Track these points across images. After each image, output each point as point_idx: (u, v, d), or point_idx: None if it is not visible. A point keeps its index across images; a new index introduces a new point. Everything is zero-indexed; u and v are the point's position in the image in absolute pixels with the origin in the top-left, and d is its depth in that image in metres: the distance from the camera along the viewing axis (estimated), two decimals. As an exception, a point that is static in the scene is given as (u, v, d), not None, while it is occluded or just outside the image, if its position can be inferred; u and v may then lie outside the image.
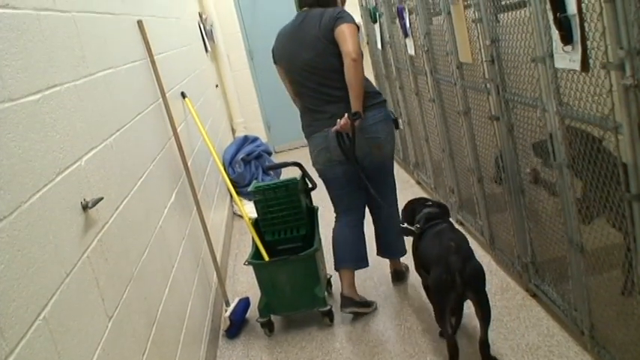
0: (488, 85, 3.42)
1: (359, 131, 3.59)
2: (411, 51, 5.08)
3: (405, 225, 3.55)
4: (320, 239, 3.97)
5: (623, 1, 1.96)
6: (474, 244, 4.33)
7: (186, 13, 6.43)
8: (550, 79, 2.65)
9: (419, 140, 5.75)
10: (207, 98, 6.39)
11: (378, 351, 3.46)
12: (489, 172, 3.55)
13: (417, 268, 3.57)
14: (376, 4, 6.05)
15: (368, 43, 7.27)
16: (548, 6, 2.46)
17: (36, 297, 1.73)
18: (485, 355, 3.06)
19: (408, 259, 3.97)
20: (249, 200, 5.03)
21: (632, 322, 2.54)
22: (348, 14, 3.65)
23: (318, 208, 4.23)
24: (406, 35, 5.09)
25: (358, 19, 7.84)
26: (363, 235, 3.98)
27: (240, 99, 8.63)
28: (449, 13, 3.87)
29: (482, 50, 3.37)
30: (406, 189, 5.97)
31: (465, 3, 3.54)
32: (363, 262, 3.98)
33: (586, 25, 2.24)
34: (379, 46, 6.38)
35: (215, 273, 4.28)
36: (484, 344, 3.05)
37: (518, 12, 2.88)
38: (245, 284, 4.67)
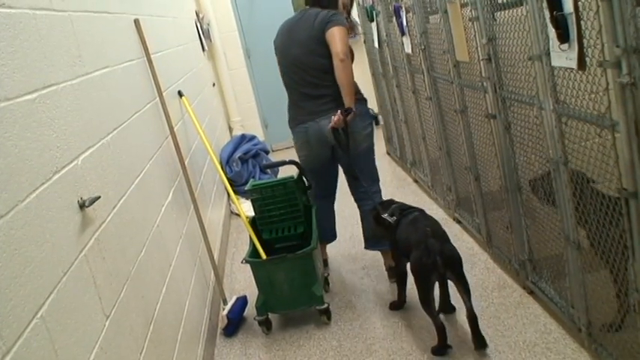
0: (485, 84, 3.42)
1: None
2: (408, 49, 5.08)
3: (385, 216, 3.70)
4: (317, 237, 3.97)
5: (619, -1, 1.97)
6: (471, 242, 4.36)
7: (183, 12, 6.43)
8: (547, 78, 2.65)
9: (416, 138, 5.75)
10: (204, 97, 6.39)
11: (376, 349, 3.47)
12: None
13: (394, 257, 3.79)
14: (373, 2, 6.05)
15: (365, 41, 7.27)
16: (544, 4, 2.46)
17: (33, 296, 1.73)
18: (474, 329, 3.21)
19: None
20: (247, 199, 5.04)
21: (629, 320, 2.55)
22: (341, 17, 3.90)
23: (315, 206, 4.23)
24: (403, 34, 5.09)
25: (355, 17, 7.85)
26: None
27: (238, 97, 8.63)
28: (445, 11, 3.87)
29: (479, 49, 3.37)
30: (403, 187, 5.98)
31: (462, 2, 3.54)
32: (335, 237, 4.62)
33: (582, 23, 2.24)
34: (376, 44, 6.38)
35: (212, 271, 4.29)
36: (472, 316, 3.20)
37: (514, 10, 2.89)
38: (242, 282, 4.67)
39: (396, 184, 6.14)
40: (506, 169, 3.44)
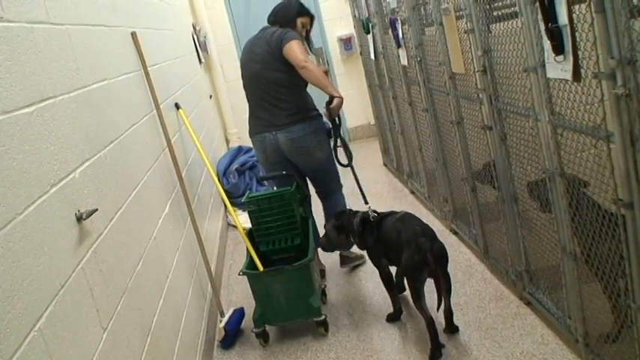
0: (480, 95, 3.43)
1: (290, 142, 4.24)
2: (404, 61, 5.10)
3: (368, 206, 3.97)
4: (315, 249, 3.97)
5: (613, 11, 1.98)
6: (468, 253, 4.37)
7: (180, 25, 6.45)
8: (542, 89, 2.66)
9: (412, 150, 5.76)
10: (201, 109, 6.40)
11: (373, 361, 3.47)
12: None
13: (374, 260, 3.89)
14: (369, 14, 6.08)
15: (361, 53, 7.29)
16: (539, 16, 2.47)
17: (31, 308, 1.73)
18: (449, 322, 3.50)
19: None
20: (244, 210, 5.04)
21: (627, 331, 2.55)
22: (294, 33, 4.20)
23: (312, 218, 4.24)
24: (399, 46, 5.11)
25: (351, 30, 7.88)
26: None
27: (234, 109, 8.64)
28: (441, 23, 3.89)
29: (475, 60, 3.38)
30: (400, 198, 5.98)
31: (457, 14, 3.56)
32: None
33: (577, 35, 2.26)
34: (372, 56, 6.40)
35: (210, 283, 4.28)
36: (449, 311, 3.49)
37: (510, 22, 2.90)
38: (240, 294, 4.67)
39: (392, 196, 6.14)
40: (502, 179, 3.45)
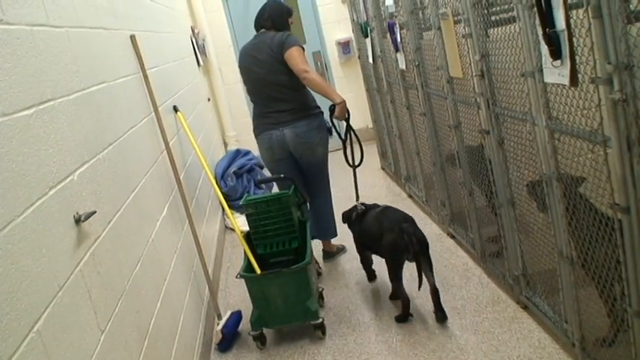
0: (478, 100, 3.44)
1: (296, 136, 4.52)
2: (402, 65, 5.12)
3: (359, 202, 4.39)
4: (312, 252, 3.98)
5: (610, 16, 1.99)
6: (465, 257, 4.38)
7: (179, 28, 6.46)
8: (539, 94, 2.67)
9: (410, 154, 5.77)
10: (199, 112, 6.41)
11: (370, 364, 3.48)
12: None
13: (357, 247, 4.38)
14: (367, 18, 6.09)
15: (360, 57, 7.31)
16: (537, 21, 2.48)
17: (29, 310, 1.73)
18: (437, 302, 3.69)
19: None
20: (241, 213, 5.04)
21: (623, 335, 2.56)
22: (293, 38, 4.47)
23: (309, 221, 4.24)
24: (397, 50, 5.13)
25: (349, 33, 7.90)
26: None
27: (232, 112, 8.66)
28: (439, 28, 3.90)
29: (472, 65, 3.40)
30: (398, 202, 5.98)
31: (455, 18, 3.57)
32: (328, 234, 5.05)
33: (575, 40, 2.27)
34: (370, 60, 6.41)
35: (207, 286, 4.28)
36: (435, 291, 3.68)
37: (507, 27, 2.91)
38: (237, 297, 4.67)
39: (390, 199, 6.14)
40: (500, 183, 3.46)
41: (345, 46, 8.70)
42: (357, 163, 4.71)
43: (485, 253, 4.09)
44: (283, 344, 3.89)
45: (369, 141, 8.66)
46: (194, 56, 7.15)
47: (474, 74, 3.41)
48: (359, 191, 4.64)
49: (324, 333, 3.84)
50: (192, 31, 7.58)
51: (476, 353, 3.30)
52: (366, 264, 4.38)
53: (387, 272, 3.84)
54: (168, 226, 3.61)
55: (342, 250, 5.15)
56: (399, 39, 4.98)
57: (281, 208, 4.07)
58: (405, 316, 3.78)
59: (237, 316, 4.16)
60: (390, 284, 3.94)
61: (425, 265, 3.68)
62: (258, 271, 3.88)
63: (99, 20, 3.12)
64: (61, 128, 2.25)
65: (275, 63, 4.44)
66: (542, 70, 2.59)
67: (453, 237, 4.80)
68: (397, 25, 4.92)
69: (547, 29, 2.38)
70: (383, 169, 7.43)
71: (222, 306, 4.46)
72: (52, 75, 2.29)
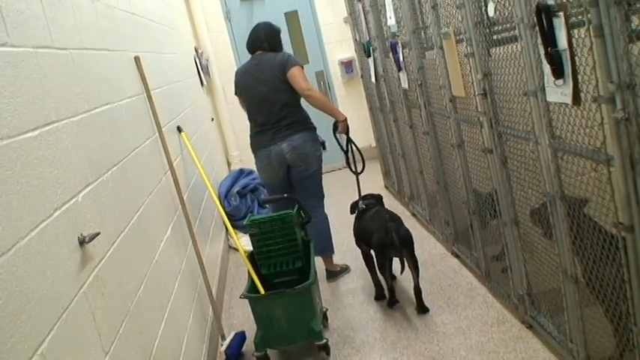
0: (481, 119, 3.45)
1: (293, 148, 4.73)
2: (405, 84, 5.13)
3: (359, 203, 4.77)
4: (316, 272, 3.97)
5: (612, 36, 2.00)
6: (469, 277, 4.36)
7: (183, 48, 6.49)
8: (542, 113, 2.68)
9: (414, 172, 5.77)
10: (202, 132, 6.42)
11: (375, 384, 3.46)
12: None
13: (357, 242, 4.64)
14: (370, 38, 6.11)
15: (362, 76, 7.33)
16: (539, 41, 2.49)
17: (33, 333, 1.73)
18: (419, 298, 4.09)
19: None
20: (245, 233, 5.04)
21: (629, 354, 2.54)
22: (294, 58, 4.78)
23: (313, 241, 4.24)
24: (400, 69, 5.14)
25: (352, 53, 7.93)
26: None
27: (236, 132, 8.66)
28: (441, 47, 3.92)
29: (475, 84, 3.40)
30: (401, 221, 5.98)
31: (457, 38, 3.59)
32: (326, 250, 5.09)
33: (577, 59, 2.28)
34: (373, 79, 6.43)
35: (211, 307, 4.28)
36: (417, 289, 4.08)
37: (509, 46, 2.92)
38: (241, 318, 4.66)
39: (394, 218, 6.13)
40: (504, 202, 3.46)
41: (347, 66, 8.72)
42: (359, 170, 5.05)
43: (491, 272, 4.08)
44: (287, 365, 3.88)
45: (372, 160, 8.68)
46: (197, 76, 7.18)
47: (476, 93, 3.42)
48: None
49: (328, 354, 3.82)
50: (196, 51, 7.61)
51: (481, 373, 3.28)
52: (368, 260, 4.50)
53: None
54: (172, 247, 3.61)
55: (345, 269, 5.13)
56: (401, 58, 5.00)
57: (284, 228, 4.07)
58: (391, 301, 4.28)
59: (241, 337, 4.15)
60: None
61: (409, 262, 4.06)
62: (262, 292, 3.87)
63: (103, 42, 3.14)
64: (65, 150, 2.26)
65: (278, 82, 4.67)
66: (544, 89, 2.59)
67: (457, 256, 4.79)
68: (399, 45, 4.94)
69: (549, 48, 2.39)
70: (386, 187, 7.42)
71: (226, 326, 4.44)
72: (57, 97, 2.30)
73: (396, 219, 4.23)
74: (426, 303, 4.10)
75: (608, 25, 2.00)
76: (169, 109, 4.59)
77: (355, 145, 5.01)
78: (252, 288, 3.92)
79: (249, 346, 4.09)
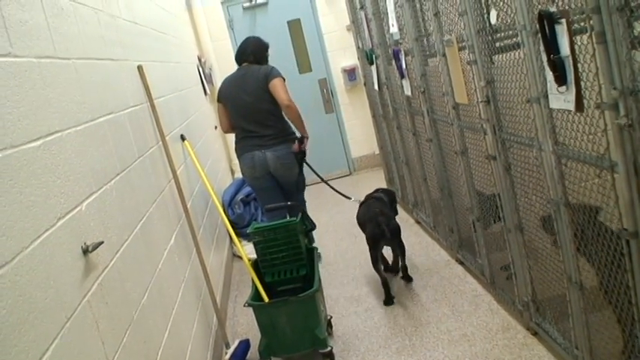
0: (484, 125, 3.45)
1: (277, 158, 5.13)
2: (408, 92, 5.13)
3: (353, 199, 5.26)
4: (320, 280, 3.97)
5: (614, 42, 2.00)
6: (474, 284, 4.36)
7: (186, 57, 6.50)
8: (545, 119, 2.68)
9: (417, 179, 5.77)
10: (206, 140, 6.43)
11: (380, 392, 3.45)
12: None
13: (360, 225, 5.01)
14: (372, 46, 6.12)
15: (365, 84, 7.33)
16: (541, 47, 2.49)
17: (37, 342, 1.73)
18: (405, 274, 4.76)
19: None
20: (249, 241, 5.03)
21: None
22: (277, 70, 5.11)
23: (317, 249, 4.24)
24: (402, 76, 5.15)
25: (355, 60, 7.95)
26: None
27: (239, 140, 8.66)
28: (444, 54, 3.92)
29: (478, 91, 3.40)
30: (405, 228, 5.96)
31: (460, 45, 3.59)
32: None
33: (579, 66, 2.27)
34: (376, 87, 6.43)
35: (215, 315, 4.27)
36: (404, 268, 4.74)
37: (512, 54, 2.92)
38: (245, 326, 4.65)
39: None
40: (508, 209, 3.45)
41: (350, 73, 8.73)
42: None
43: (495, 279, 4.07)
44: (292, 373, 3.87)
45: (375, 167, 8.69)
46: (201, 85, 7.19)
47: (479, 100, 3.42)
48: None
49: (332, 361, 3.83)
50: (199, 60, 7.63)
51: (486, 381, 3.28)
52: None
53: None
54: (176, 255, 3.61)
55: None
56: (404, 66, 5.00)
57: (288, 236, 4.07)
58: (388, 299, 4.50)
59: (245, 345, 4.14)
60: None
61: (397, 249, 4.70)
62: (266, 300, 3.87)
63: (106, 51, 3.15)
64: (68, 159, 2.26)
65: (262, 92, 5.04)
66: (547, 95, 2.59)
67: (461, 263, 4.78)
68: (402, 52, 4.95)
69: (552, 55, 2.39)
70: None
71: (230, 335, 4.44)
72: (60, 106, 2.31)
73: (385, 212, 4.66)
74: (430, 312, 4.10)
75: (610, 31, 2.00)
76: (173, 117, 4.60)
77: (307, 164, 5.37)
78: (256, 296, 3.92)
79: (253, 354, 4.08)
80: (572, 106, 2.37)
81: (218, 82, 8.19)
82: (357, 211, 5.12)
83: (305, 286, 3.98)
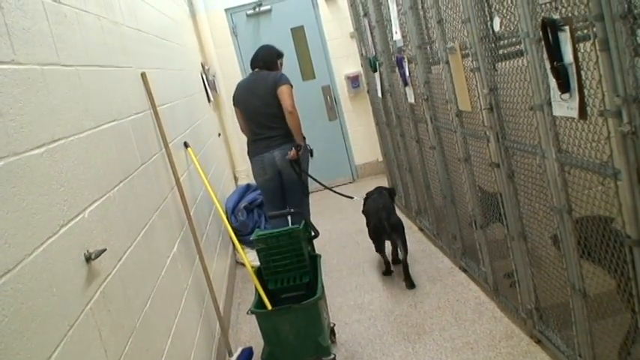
0: (487, 133, 3.45)
1: (283, 157, 5.41)
2: (411, 99, 5.13)
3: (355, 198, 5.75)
4: (323, 287, 3.96)
5: (617, 49, 2.00)
6: (477, 291, 4.35)
7: (189, 64, 6.51)
8: (549, 127, 2.67)
9: (420, 187, 5.76)
10: (209, 147, 6.44)
11: (383, 400, 3.44)
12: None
13: (366, 218, 5.33)
14: (376, 53, 6.13)
15: (369, 91, 7.34)
16: (545, 55, 2.49)
17: (39, 350, 1.73)
18: (406, 273, 4.86)
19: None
20: (252, 249, 5.03)
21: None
22: (286, 77, 5.41)
23: (320, 256, 4.24)
24: (406, 84, 5.15)
25: (358, 68, 7.95)
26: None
27: (243, 147, 8.64)
28: (447, 62, 3.92)
29: (481, 98, 3.40)
30: (409, 235, 5.93)
31: (463, 52, 3.59)
32: None
33: (583, 73, 2.28)
34: (379, 94, 6.44)
35: (218, 322, 4.27)
36: (405, 265, 4.86)
37: (515, 61, 2.92)
38: (248, 333, 4.64)
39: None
40: (511, 217, 3.45)
41: (354, 81, 8.74)
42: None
43: (499, 286, 4.06)
44: (295, 381, 3.85)
45: (379, 174, 8.69)
46: (204, 92, 7.20)
47: (482, 108, 3.42)
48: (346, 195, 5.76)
49: (335, 369, 3.81)
50: (203, 67, 7.64)
51: (490, 389, 3.26)
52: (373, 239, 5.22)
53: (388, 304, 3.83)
54: (179, 263, 3.61)
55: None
56: (407, 73, 5.00)
57: (291, 243, 4.06)
58: (387, 271, 5.16)
59: (248, 353, 4.14)
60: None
61: (398, 243, 4.91)
62: (269, 307, 3.86)
63: (110, 58, 3.15)
64: (71, 167, 2.26)
65: (270, 97, 5.33)
66: (550, 103, 2.59)
67: (465, 270, 4.77)
68: (405, 60, 4.95)
69: (555, 62, 2.39)
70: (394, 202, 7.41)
71: (233, 342, 4.43)
72: (63, 114, 2.31)
73: (387, 208, 5.01)
74: (434, 319, 4.08)
75: (613, 38, 2.01)
76: (176, 124, 4.60)
77: (303, 171, 5.57)
78: (259, 303, 3.91)
79: (256, 362, 4.08)
80: (575, 114, 2.37)
81: (222, 89, 8.24)
82: (363, 206, 5.43)
83: (308, 294, 3.97)
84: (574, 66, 2.29)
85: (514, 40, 2.98)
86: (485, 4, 3.22)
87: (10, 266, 1.67)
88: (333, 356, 3.78)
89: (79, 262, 2.14)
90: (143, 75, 3.75)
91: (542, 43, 2.47)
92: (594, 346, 2.80)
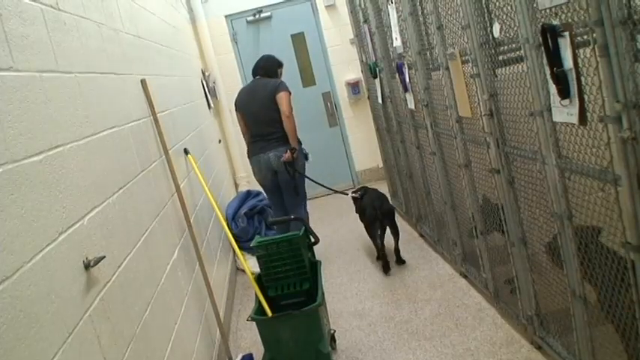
0: (487, 139, 3.44)
1: (278, 158, 5.71)
2: (411, 105, 5.13)
3: (352, 194, 6.01)
4: (323, 294, 3.95)
5: (617, 55, 2.00)
6: (478, 297, 4.34)
7: (190, 71, 6.52)
8: (549, 133, 2.67)
9: (421, 193, 5.76)
10: (210, 154, 6.43)
11: (384, 407, 3.43)
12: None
13: (360, 218, 5.85)
14: (376, 59, 6.13)
15: (369, 97, 7.34)
16: (544, 61, 2.49)
17: (38, 357, 1.72)
18: (398, 256, 5.48)
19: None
20: (252, 255, 5.03)
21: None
22: (285, 85, 5.77)
23: (321, 263, 4.23)
24: (406, 90, 5.15)
25: (358, 74, 7.96)
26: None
27: (243, 154, 8.65)
28: (447, 68, 3.92)
29: (481, 104, 3.40)
30: (409, 242, 5.96)
31: (463, 58, 3.59)
32: None
33: (582, 79, 2.27)
34: (380, 100, 6.44)
35: (218, 329, 4.26)
36: (397, 250, 5.48)
37: (515, 67, 2.92)
38: (248, 340, 4.63)
39: (401, 239, 6.11)
40: (511, 222, 3.44)
41: (354, 87, 8.74)
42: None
43: (499, 292, 4.05)
44: (295, 388, 3.84)
45: (379, 180, 8.68)
46: (205, 99, 7.20)
47: (482, 113, 3.42)
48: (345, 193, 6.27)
49: (336, 376, 3.80)
50: (203, 73, 7.65)
51: (491, 396, 3.25)
52: (368, 230, 5.65)
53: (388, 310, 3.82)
54: (179, 269, 3.60)
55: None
56: (407, 79, 5.00)
57: (291, 250, 4.06)
58: (385, 265, 5.37)
59: (248, 360, 4.13)
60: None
61: (392, 230, 5.47)
62: (270, 314, 3.85)
63: (109, 65, 3.15)
64: (70, 174, 2.26)
65: (268, 102, 5.69)
66: (550, 109, 2.59)
67: (465, 277, 4.77)
68: (406, 66, 4.95)
69: (555, 68, 2.39)
70: (394, 208, 7.40)
71: (234, 349, 4.42)
72: (62, 120, 2.31)
73: (381, 198, 5.60)
74: (434, 326, 4.09)
75: (613, 44, 2.00)
76: (176, 131, 4.60)
77: (298, 172, 5.85)
78: (259, 310, 3.90)
79: (256, 368, 4.07)
80: (575, 120, 2.36)
81: (222, 96, 8.25)
82: (359, 204, 5.83)
83: (308, 300, 3.96)
84: (574, 72, 2.29)
85: (514, 46, 2.98)
86: (485, 10, 3.22)
87: (9, 273, 1.66)
88: (333, 363, 3.77)
89: (78, 269, 2.14)
90: (143, 82, 3.75)
91: (542, 48, 2.47)
92: (595, 352, 2.80)
